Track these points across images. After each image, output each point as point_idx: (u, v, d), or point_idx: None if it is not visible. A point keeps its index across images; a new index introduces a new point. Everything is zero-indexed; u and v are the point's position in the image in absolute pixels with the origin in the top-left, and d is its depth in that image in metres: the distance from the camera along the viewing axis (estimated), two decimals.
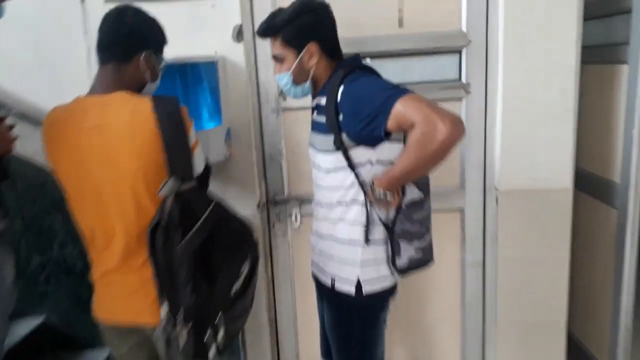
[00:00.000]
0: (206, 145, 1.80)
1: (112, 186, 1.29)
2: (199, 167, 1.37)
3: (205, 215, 1.27)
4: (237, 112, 2.02)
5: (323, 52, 1.41)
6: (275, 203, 2.19)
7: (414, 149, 1.21)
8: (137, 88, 1.38)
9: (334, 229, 1.47)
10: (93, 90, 1.35)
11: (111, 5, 1.41)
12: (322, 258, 1.55)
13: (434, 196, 1.54)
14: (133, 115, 1.26)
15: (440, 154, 1.21)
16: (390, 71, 2.03)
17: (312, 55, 1.40)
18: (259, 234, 2.16)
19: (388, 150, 1.35)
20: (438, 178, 1.72)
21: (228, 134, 1.98)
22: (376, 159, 1.36)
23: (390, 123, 1.24)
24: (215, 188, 2.05)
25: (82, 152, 1.30)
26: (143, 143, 1.26)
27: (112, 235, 1.33)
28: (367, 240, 1.42)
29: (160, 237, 1.23)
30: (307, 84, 1.46)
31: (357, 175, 1.37)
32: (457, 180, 2.16)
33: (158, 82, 1.46)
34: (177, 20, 1.86)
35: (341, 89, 1.33)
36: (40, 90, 2.05)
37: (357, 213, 1.41)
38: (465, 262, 2.22)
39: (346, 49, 1.53)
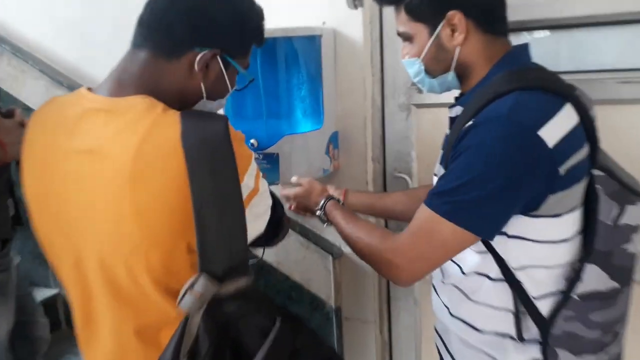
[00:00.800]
0: (300, 155, 1.30)
1: (95, 254, 0.78)
2: (255, 230, 0.85)
3: (262, 356, 0.72)
4: (348, 109, 1.45)
5: (475, 26, 0.95)
6: None
7: (368, 231, 1.00)
8: (180, 102, 0.82)
9: (467, 307, 1.03)
10: (104, 85, 0.82)
11: None
12: (450, 336, 1.10)
13: None
14: (143, 143, 0.73)
15: (366, 258, 0.99)
16: (578, 48, 1.29)
17: (456, 31, 0.95)
18: (373, 280, 1.55)
19: (531, 225, 0.91)
20: None
21: (333, 139, 1.41)
22: (513, 234, 0.92)
23: None
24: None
25: (60, 185, 0.80)
26: (150, 198, 0.72)
27: (94, 321, 0.83)
28: (521, 336, 0.96)
29: None
30: (450, 76, 0.99)
31: (489, 246, 0.94)
32: None
33: (223, 102, 0.92)
34: None
35: (469, 123, 0.89)
36: None
37: (499, 292, 0.97)
38: None
39: None
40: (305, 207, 1.22)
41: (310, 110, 1.37)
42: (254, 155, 0.82)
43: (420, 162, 1.49)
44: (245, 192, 0.78)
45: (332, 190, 1.25)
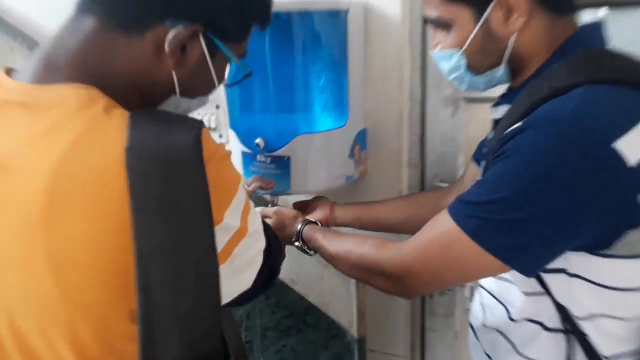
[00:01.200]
0: (318, 159, 1.07)
1: (2, 311, 0.54)
2: (240, 287, 0.61)
3: None
4: (379, 102, 1.18)
5: (536, 4, 0.75)
6: None
7: (357, 243, 0.86)
8: (139, 97, 0.59)
9: None
10: (28, 67, 0.58)
11: None
12: None
13: None
14: (67, 157, 0.50)
15: (360, 273, 0.86)
16: None
17: (513, 13, 0.75)
18: (404, 307, 1.30)
19: (601, 266, 0.71)
20: None
21: (360, 139, 1.16)
22: (575, 272, 0.73)
23: None
24: None
25: None
26: (73, 240, 0.50)
27: None
28: None
29: None
30: (501, 71, 0.80)
31: (544, 285, 0.75)
32: None
33: (205, 101, 0.69)
34: None
35: (517, 125, 0.69)
36: None
37: (558, 347, 0.78)
38: None
39: None
40: (285, 240, 1.03)
41: (332, 103, 1.11)
42: (242, 179, 0.57)
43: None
44: (225, 237, 0.53)
45: (318, 208, 1.10)
